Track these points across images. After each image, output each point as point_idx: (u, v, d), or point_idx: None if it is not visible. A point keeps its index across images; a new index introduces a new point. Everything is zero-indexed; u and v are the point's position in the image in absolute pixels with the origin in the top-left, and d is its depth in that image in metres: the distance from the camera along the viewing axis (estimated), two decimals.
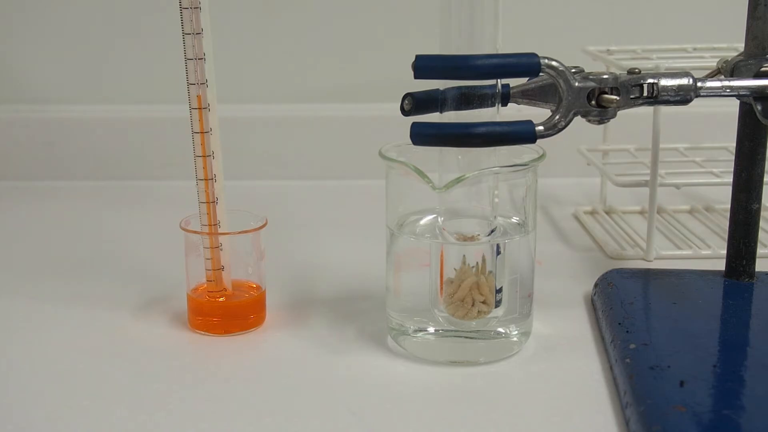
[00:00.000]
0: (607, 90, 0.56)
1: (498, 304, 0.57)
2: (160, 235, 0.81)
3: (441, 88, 0.55)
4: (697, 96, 0.57)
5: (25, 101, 1.03)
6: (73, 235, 0.84)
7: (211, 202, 0.61)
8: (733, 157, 0.64)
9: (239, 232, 0.62)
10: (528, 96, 0.58)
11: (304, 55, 1.01)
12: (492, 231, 0.56)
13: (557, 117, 0.55)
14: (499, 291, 0.57)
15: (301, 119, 1.01)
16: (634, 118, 0.72)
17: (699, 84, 0.57)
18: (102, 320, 0.64)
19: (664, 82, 0.56)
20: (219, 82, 0.60)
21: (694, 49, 0.82)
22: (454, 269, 0.56)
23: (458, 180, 0.53)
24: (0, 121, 1.02)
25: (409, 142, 0.53)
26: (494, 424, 0.50)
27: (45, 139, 1.02)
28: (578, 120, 0.56)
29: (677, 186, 0.76)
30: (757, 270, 0.64)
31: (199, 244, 0.62)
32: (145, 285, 0.70)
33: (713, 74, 0.62)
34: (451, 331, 0.57)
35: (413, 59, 0.52)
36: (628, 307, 0.60)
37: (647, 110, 0.66)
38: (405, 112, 0.56)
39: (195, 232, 0.62)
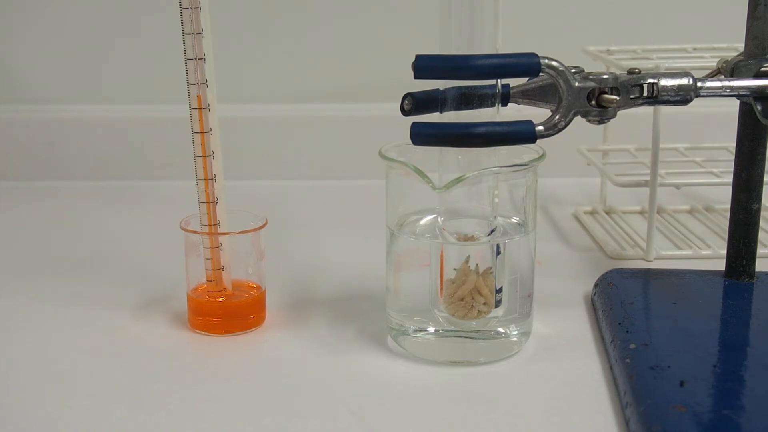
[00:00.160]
0: (607, 90, 0.56)
1: (498, 304, 0.57)
2: (160, 235, 0.81)
3: (441, 88, 0.55)
4: (697, 96, 0.57)
5: (25, 101, 1.03)
6: (73, 235, 0.84)
7: (211, 202, 0.61)
8: (733, 157, 0.64)
9: (239, 232, 0.62)
10: (528, 96, 0.58)
11: (304, 55, 1.01)
12: (492, 231, 0.56)
13: (557, 117, 0.55)
14: (499, 291, 0.57)
15: (301, 119, 1.01)
16: (634, 118, 0.72)
17: (699, 84, 0.57)
18: (102, 320, 0.64)
19: (664, 82, 0.56)
20: (219, 82, 0.60)
21: (694, 49, 0.82)
22: (454, 269, 0.56)
23: (458, 180, 0.53)
24: (0, 121, 1.02)
25: (409, 142, 0.53)
26: (494, 424, 0.50)
27: (45, 139, 1.02)
28: (578, 120, 0.56)
29: (677, 186, 0.76)
30: (757, 270, 0.64)
31: (199, 244, 0.62)
32: (145, 285, 0.70)
33: (713, 74, 0.62)
34: (451, 331, 0.57)
35: (413, 59, 0.52)
36: (628, 307, 0.60)
37: (647, 110, 0.66)
38: (405, 112, 0.56)
39: (195, 232, 0.62)
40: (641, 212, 0.87)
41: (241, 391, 0.54)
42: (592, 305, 0.65)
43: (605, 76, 0.56)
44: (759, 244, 0.64)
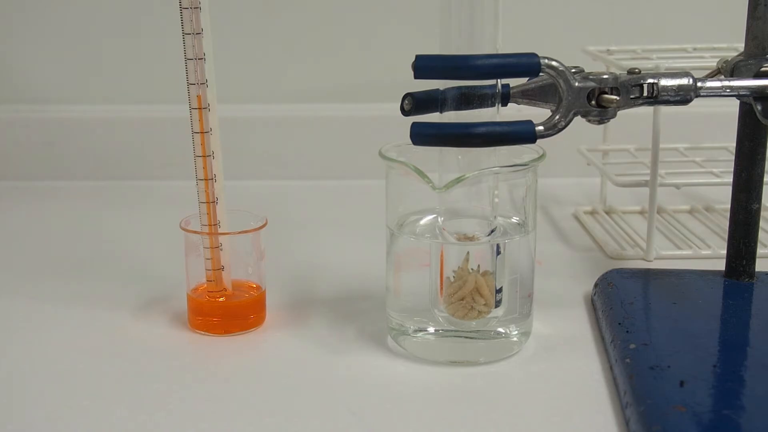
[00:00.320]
0: (607, 90, 0.56)
1: (498, 304, 0.57)
2: (160, 235, 0.81)
3: (441, 88, 0.55)
4: (697, 96, 0.57)
5: (25, 101, 1.03)
6: (73, 235, 0.84)
7: (211, 202, 0.61)
8: (733, 157, 0.64)
9: (239, 232, 0.62)
10: (528, 96, 0.58)
11: (304, 55, 1.01)
12: (492, 231, 0.56)
13: (557, 117, 0.55)
14: (499, 291, 0.57)
15: (301, 119, 1.01)
16: (634, 118, 0.72)
17: (699, 84, 0.57)
18: (102, 320, 0.64)
19: (664, 82, 0.56)
20: (219, 82, 0.60)
21: (694, 49, 0.82)
22: (453, 271, 0.56)
23: (458, 180, 0.53)
24: (0, 121, 1.02)
25: (409, 142, 0.53)
26: (494, 424, 0.50)
27: (45, 139, 1.02)
28: (578, 120, 0.56)
29: (677, 186, 0.76)
30: (757, 270, 0.64)
31: (199, 244, 0.62)
32: (145, 285, 0.70)
33: (713, 74, 0.62)
34: (451, 331, 0.57)
35: (413, 59, 0.52)
36: (628, 307, 0.60)
37: (647, 110, 0.66)
38: (405, 112, 0.56)
39: (195, 232, 0.62)
40: (641, 212, 0.87)
41: (241, 391, 0.54)
42: (592, 305, 0.65)
43: (605, 76, 0.56)
44: (759, 244, 0.64)
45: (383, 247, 0.60)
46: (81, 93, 1.03)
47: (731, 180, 0.64)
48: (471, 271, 0.56)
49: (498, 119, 0.54)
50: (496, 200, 0.56)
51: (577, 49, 0.85)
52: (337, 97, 1.02)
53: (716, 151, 0.86)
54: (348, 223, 0.87)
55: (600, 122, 0.57)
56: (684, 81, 0.57)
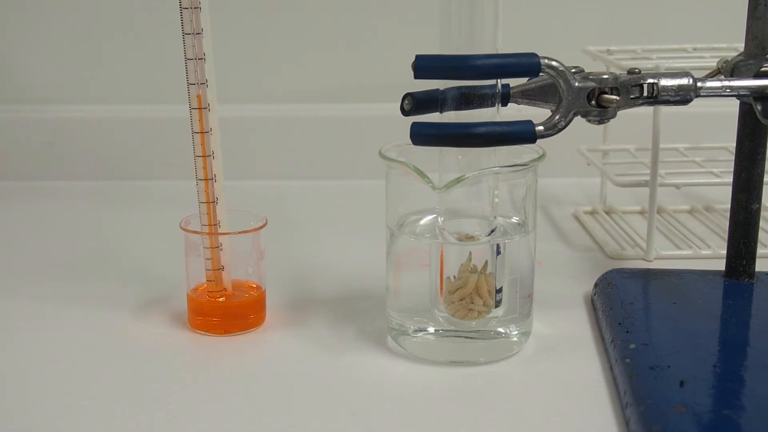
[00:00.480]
0: (607, 90, 0.56)
1: (498, 304, 0.57)
2: (160, 235, 0.81)
3: (441, 88, 0.55)
4: (697, 96, 0.57)
5: (25, 101, 1.03)
6: (73, 235, 0.84)
7: (211, 202, 0.61)
8: (733, 157, 0.64)
9: (239, 232, 0.62)
10: (528, 96, 0.58)
11: (304, 55, 1.01)
12: (492, 231, 0.56)
13: (557, 117, 0.55)
14: (499, 291, 0.57)
15: (301, 119, 1.01)
16: (634, 118, 0.72)
17: (699, 84, 0.57)
18: (102, 320, 0.64)
19: (664, 82, 0.56)
20: (219, 82, 0.60)
21: (694, 49, 0.82)
22: (453, 276, 0.56)
23: (458, 180, 0.53)
24: (0, 121, 1.02)
25: (409, 142, 0.53)
26: (494, 424, 0.50)
27: (45, 139, 1.02)
28: (578, 120, 0.56)
29: (677, 186, 0.76)
30: (757, 270, 0.64)
31: (199, 244, 0.62)
32: (145, 285, 0.70)
33: (713, 74, 0.62)
34: (451, 331, 0.57)
35: (413, 59, 0.52)
36: (628, 307, 0.60)
37: (647, 110, 0.66)
38: (405, 112, 0.56)
39: (195, 232, 0.62)
40: (641, 212, 0.87)
41: (241, 391, 0.54)
42: (592, 305, 0.65)
43: (605, 76, 0.56)
44: (759, 244, 0.64)
45: (383, 247, 0.60)
46: (81, 93, 1.03)
47: (731, 180, 0.64)
48: (472, 267, 0.56)
49: (498, 119, 0.54)
50: (496, 200, 0.56)
51: (577, 49, 0.85)
52: (337, 97, 1.02)
53: (716, 151, 0.86)
54: (348, 223, 0.87)
55: (600, 122, 0.57)
56: (684, 81, 0.57)
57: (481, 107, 0.54)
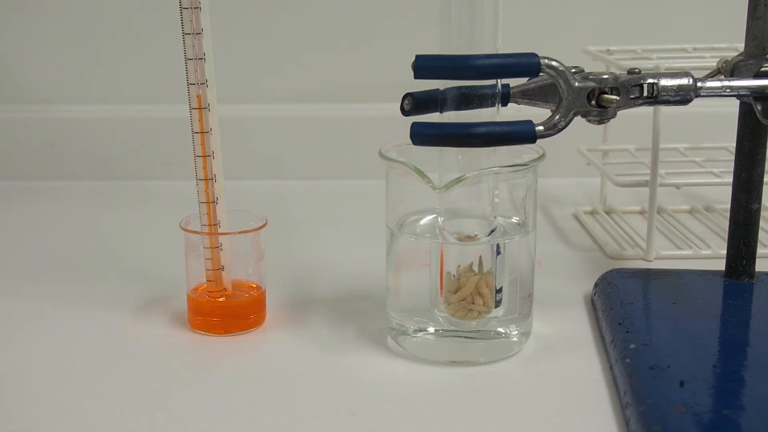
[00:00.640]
0: (607, 90, 0.56)
1: (498, 304, 0.57)
2: (160, 235, 0.81)
3: (441, 88, 0.55)
4: (697, 96, 0.57)
5: (25, 101, 1.03)
6: (73, 235, 0.84)
7: (211, 202, 0.61)
8: (733, 157, 0.64)
9: (239, 232, 0.62)
10: (528, 96, 0.58)
11: (304, 55, 1.01)
12: (492, 231, 0.56)
13: (557, 117, 0.55)
14: (499, 291, 0.57)
15: (301, 119, 1.01)
16: (634, 118, 0.72)
17: (699, 84, 0.57)
18: (102, 320, 0.64)
19: (664, 82, 0.56)
20: (219, 82, 0.60)
21: (694, 49, 0.82)
22: (453, 273, 0.56)
23: (458, 180, 0.53)
24: (0, 121, 1.02)
25: (409, 142, 0.53)
26: (494, 424, 0.50)
27: (45, 139, 1.02)
28: (578, 120, 0.56)
29: (677, 186, 0.76)
30: (757, 270, 0.64)
31: (199, 244, 0.62)
32: (145, 285, 0.70)
33: (713, 74, 0.62)
34: (451, 331, 0.57)
35: (413, 59, 0.52)
36: (628, 307, 0.60)
37: (647, 110, 0.66)
38: (405, 112, 0.56)
39: (195, 232, 0.62)
40: (641, 212, 0.87)
41: (241, 391, 0.54)
42: (592, 305, 0.65)
43: (605, 76, 0.56)
44: (759, 244, 0.64)
45: (383, 247, 0.60)
46: (81, 93, 1.03)
47: (731, 180, 0.64)
48: (473, 271, 0.56)
49: (498, 119, 0.54)
50: (496, 200, 0.56)
51: (577, 49, 0.85)
52: (337, 97, 1.02)
53: (716, 151, 0.86)
54: (348, 223, 0.87)
55: (600, 122, 0.57)
56: (684, 81, 0.57)
57: (481, 107, 0.54)
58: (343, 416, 0.51)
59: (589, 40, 0.89)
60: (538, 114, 0.57)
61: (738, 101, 0.61)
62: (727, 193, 0.65)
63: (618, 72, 0.57)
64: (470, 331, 0.57)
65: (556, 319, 0.63)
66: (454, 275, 0.56)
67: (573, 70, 0.56)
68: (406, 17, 0.99)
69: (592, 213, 0.87)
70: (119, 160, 1.02)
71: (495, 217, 0.57)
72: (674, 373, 0.51)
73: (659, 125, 0.72)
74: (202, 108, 0.60)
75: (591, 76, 0.56)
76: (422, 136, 0.52)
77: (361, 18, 1.00)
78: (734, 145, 0.63)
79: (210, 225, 0.62)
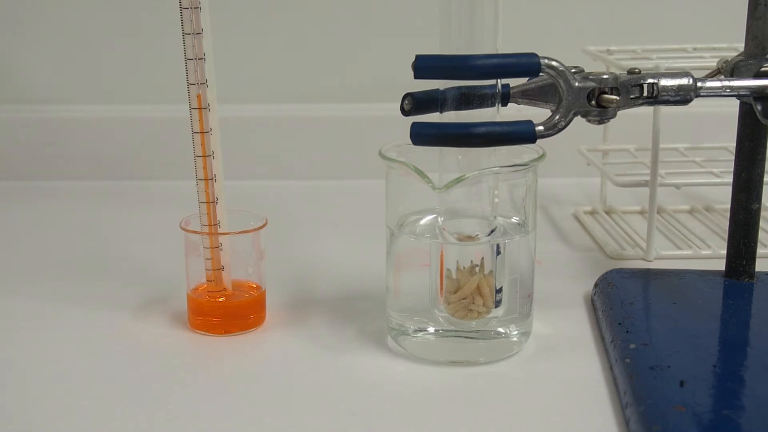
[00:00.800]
0: (607, 90, 0.56)
1: (498, 304, 0.57)
2: (160, 235, 0.81)
3: (441, 88, 0.55)
4: (697, 96, 0.57)
5: (25, 101, 1.03)
6: (73, 235, 0.84)
7: (211, 202, 0.61)
8: (733, 157, 0.64)
9: (239, 232, 0.62)
10: (528, 96, 0.58)
11: (304, 55, 1.01)
12: (492, 231, 0.56)
13: (557, 117, 0.55)
14: (499, 291, 0.57)
15: (301, 119, 1.01)
16: (634, 118, 0.72)
17: (699, 84, 0.57)
18: (102, 320, 0.64)
19: (664, 82, 0.56)
20: (219, 82, 0.60)
21: (694, 49, 0.82)
22: (453, 271, 0.56)
23: (458, 180, 0.53)
24: (0, 121, 1.02)
25: (409, 142, 0.53)
26: (494, 424, 0.50)
27: (45, 139, 1.02)
28: (578, 120, 0.56)
29: (677, 186, 0.76)
30: (757, 270, 0.64)
31: (199, 244, 0.62)
32: (145, 285, 0.70)
33: (713, 74, 0.62)
34: (451, 331, 0.57)
35: (413, 59, 0.52)
36: (628, 307, 0.60)
37: (647, 110, 0.66)
38: (405, 112, 0.56)
39: (195, 232, 0.62)
40: (641, 212, 0.87)
41: (241, 391, 0.54)
42: (592, 305, 0.65)
43: (605, 76, 0.56)
44: (759, 244, 0.64)
45: (383, 247, 0.60)
46: (81, 93, 1.03)
47: (731, 180, 0.64)
48: (475, 271, 0.56)
49: (498, 119, 0.54)
50: (496, 200, 0.56)
51: (577, 49, 0.85)
52: (337, 97, 1.02)
53: (716, 151, 0.86)
54: (348, 223, 0.87)
55: (600, 122, 0.57)
56: (684, 81, 0.57)
57: (481, 107, 0.54)
58: (343, 416, 0.51)
59: (589, 40, 0.89)
60: (538, 114, 0.57)
61: (738, 101, 0.61)
62: (727, 193, 0.65)
63: (618, 72, 0.57)
64: (470, 331, 0.57)
65: (556, 319, 0.63)
66: (454, 275, 0.56)
67: (573, 70, 0.56)
68: (406, 17, 0.99)
69: (592, 213, 0.87)
70: (119, 160, 1.02)
71: (495, 217, 0.57)
72: (674, 373, 0.51)
73: (659, 125, 0.72)
74: (202, 108, 0.60)
75: (591, 76, 0.56)
76: (422, 136, 0.52)
77: (361, 18, 1.00)
78: (734, 145, 0.63)
79: (210, 225, 0.62)
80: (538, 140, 0.54)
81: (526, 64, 0.53)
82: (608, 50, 0.83)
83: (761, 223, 0.66)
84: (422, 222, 0.59)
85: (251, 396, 0.53)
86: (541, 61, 0.53)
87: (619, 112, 0.57)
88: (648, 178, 0.74)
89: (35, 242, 0.82)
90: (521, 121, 0.53)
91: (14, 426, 0.51)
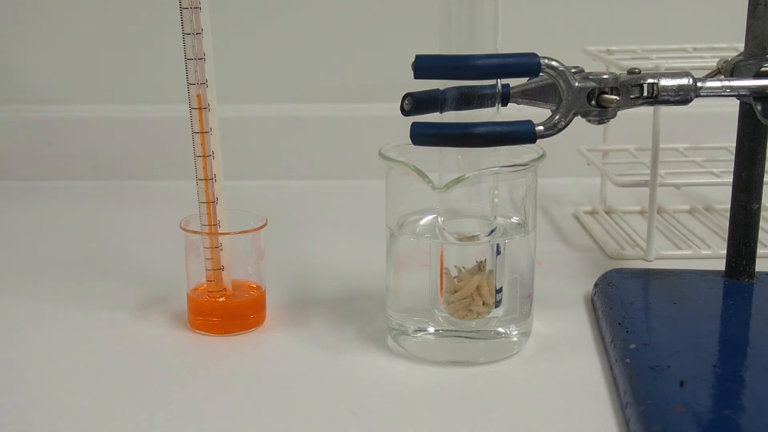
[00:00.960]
0: (607, 90, 0.56)
1: (498, 304, 0.57)
2: (160, 235, 0.82)
3: (441, 88, 0.55)
4: (697, 96, 0.57)
5: (25, 101, 1.03)
6: (73, 235, 0.84)
7: (211, 202, 0.61)
8: (733, 157, 0.64)
9: (239, 232, 0.62)
10: (528, 96, 0.58)
11: (304, 55, 1.01)
12: (492, 231, 0.56)
13: (557, 117, 0.55)
14: (499, 291, 0.57)
15: (301, 119, 1.01)
16: (634, 118, 0.72)
17: (699, 84, 0.57)
18: (102, 320, 0.64)
19: (664, 82, 0.56)
20: (219, 82, 0.60)
21: (694, 49, 0.82)
22: (454, 270, 0.56)
23: (458, 180, 0.53)
24: (0, 121, 1.02)
25: (409, 142, 0.53)
26: (494, 424, 0.50)
27: (45, 139, 1.02)
28: (578, 120, 0.56)
29: (677, 186, 0.76)
30: (757, 270, 0.64)
31: (199, 244, 0.62)
32: (145, 285, 0.70)
33: (713, 74, 0.62)
34: (451, 331, 0.57)
35: (413, 59, 0.52)
36: (628, 307, 0.60)
37: (647, 110, 0.66)
38: (405, 112, 0.56)
39: (195, 232, 0.62)
40: (641, 212, 0.87)
41: (241, 391, 0.54)
42: (592, 305, 0.65)
43: (605, 76, 0.56)
44: (759, 244, 0.64)
45: (383, 247, 0.60)
46: (81, 93, 1.03)
47: (731, 180, 0.64)
48: (476, 271, 0.56)
49: (498, 119, 0.54)
50: (496, 200, 0.56)
51: (577, 49, 0.85)
52: (337, 97, 1.02)
53: (716, 151, 0.86)
54: (348, 223, 0.87)
55: (600, 122, 0.57)
56: (684, 81, 0.57)
57: (481, 107, 0.54)
58: (343, 416, 0.51)
59: (589, 40, 0.89)
60: (538, 114, 0.57)
61: (738, 101, 0.61)
62: (727, 193, 0.65)
63: (618, 72, 0.57)
64: (470, 331, 0.57)
65: (556, 319, 0.63)
66: (454, 275, 0.56)
67: (573, 70, 0.56)
68: (406, 17, 0.99)
69: (592, 213, 0.87)
70: (119, 160, 1.02)
71: (495, 217, 0.57)
72: (674, 373, 0.51)
73: (659, 125, 0.72)
74: (202, 108, 0.60)
75: (591, 76, 0.56)
76: (422, 136, 0.52)
77: (361, 18, 1.00)
78: (734, 145, 0.63)
79: (210, 225, 0.62)
80: (538, 140, 0.54)
81: (526, 64, 0.53)
82: (608, 50, 0.83)
83: (761, 223, 0.66)
84: (422, 222, 0.59)
85: (251, 396, 0.53)
86: (541, 61, 0.53)
87: (619, 112, 0.57)
88: (648, 178, 0.74)
89: (35, 242, 0.82)
90: (521, 121, 0.53)
91: (14, 426, 0.51)
